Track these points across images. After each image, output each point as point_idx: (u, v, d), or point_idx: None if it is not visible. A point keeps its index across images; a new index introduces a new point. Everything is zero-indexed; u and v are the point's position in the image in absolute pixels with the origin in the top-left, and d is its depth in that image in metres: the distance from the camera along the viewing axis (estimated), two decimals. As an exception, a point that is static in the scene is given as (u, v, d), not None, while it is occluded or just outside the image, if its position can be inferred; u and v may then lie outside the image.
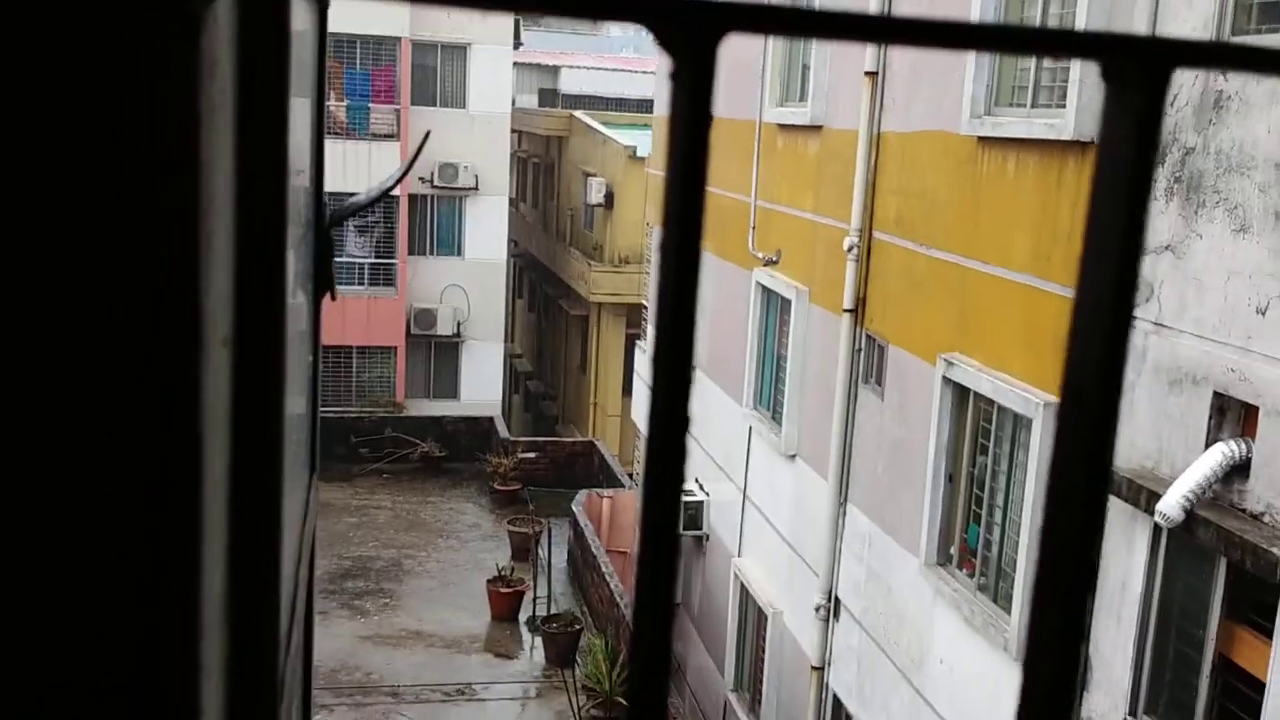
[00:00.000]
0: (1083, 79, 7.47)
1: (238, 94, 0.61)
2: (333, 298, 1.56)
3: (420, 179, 26.30)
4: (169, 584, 0.48)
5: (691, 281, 0.43)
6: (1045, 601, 0.46)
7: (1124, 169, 0.43)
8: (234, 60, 0.59)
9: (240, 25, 0.63)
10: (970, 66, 8.73)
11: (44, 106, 0.43)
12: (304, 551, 1.31)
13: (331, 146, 24.95)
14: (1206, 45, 0.47)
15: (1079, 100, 7.48)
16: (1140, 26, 6.94)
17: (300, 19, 1.25)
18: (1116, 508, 7.02)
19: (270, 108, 0.67)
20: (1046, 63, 8.23)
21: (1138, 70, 0.43)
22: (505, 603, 17.85)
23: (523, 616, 17.88)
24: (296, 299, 1.30)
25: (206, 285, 0.47)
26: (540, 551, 18.54)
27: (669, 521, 0.44)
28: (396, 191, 25.56)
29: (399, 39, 25.62)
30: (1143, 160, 0.43)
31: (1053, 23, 8.15)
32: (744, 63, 13.53)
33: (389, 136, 25.68)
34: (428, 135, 3.11)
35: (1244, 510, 6.12)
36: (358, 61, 25.81)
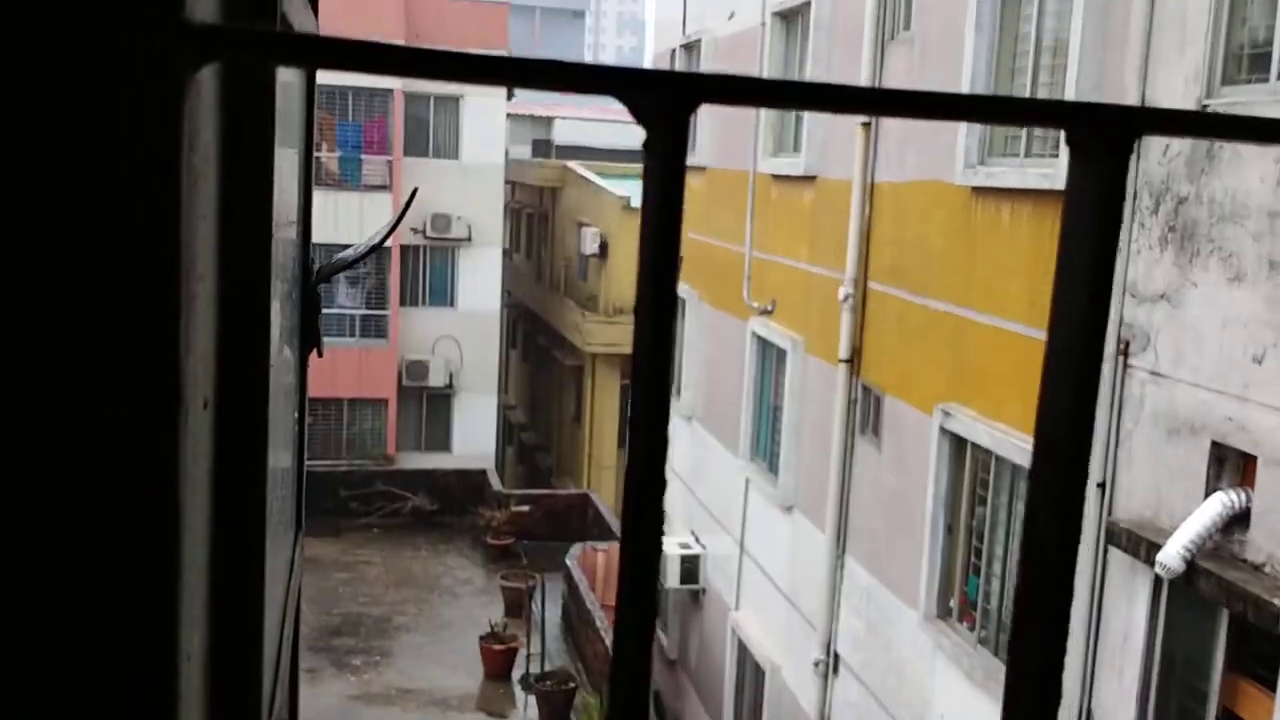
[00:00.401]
0: (1074, 129, 7.51)
1: (222, 160, 0.59)
2: (319, 354, 1.52)
3: (413, 229, 26.38)
4: (145, 645, 0.45)
5: (667, 334, 0.43)
6: (1023, 651, 0.46)
7: (1090, 234, 0.44)
8: (218, 127, 0.57)
9: (225, 91, 0.61)
10: (962, 118, 8.78)
11: (31, 172, 0.42)
12: (289, 609, 1.27)
13: (324, 197, 25.06)
14: (1169, 113, 0.47)
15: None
16: (1131, 77, 6.98)
17: (287, 72, 1.23)
18: (1117, 559, 6.96)
19: (254, 175, 0.65)
20: (1038, 114, 8.29)
21: (1101, 138, 0.43)
22: (498, 660, 17.64)
23: (516, 674, 17.66)
24: (283, 355, 1.26)
25: (188, 348, 0.44)
26: (534, 607, 18.36)
27: (649, 572, 0.44)
28: (389, 243, 25.64)
29: (391, 90, 25.83)
30: (1107, 225, 0.44)
31: (1044, 73, 8.21)
32: (737, 114, 13.63)
33: (381, 187, 25.79)
34: (414, 192, 3.12)
35: (1245, 561, 6.06)
36: (350, 113, 25.99)
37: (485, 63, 0.45)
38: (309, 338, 1.47)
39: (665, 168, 0.42)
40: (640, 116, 0.42)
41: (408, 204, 2.48)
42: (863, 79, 10.37)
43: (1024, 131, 8.39)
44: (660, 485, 0.44)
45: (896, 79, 10.07)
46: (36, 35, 0.41)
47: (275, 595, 1.07)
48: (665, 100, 0.42)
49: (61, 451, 0.43)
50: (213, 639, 0.65)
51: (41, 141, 0.42)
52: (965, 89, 8.78)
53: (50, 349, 0.43)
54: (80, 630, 0.46)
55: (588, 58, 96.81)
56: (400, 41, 25.74)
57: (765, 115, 12.79)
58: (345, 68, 0.47)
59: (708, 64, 14.81)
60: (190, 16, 0.45)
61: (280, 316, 1.26)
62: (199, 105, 0.50)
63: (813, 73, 11.60)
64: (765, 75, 12.71)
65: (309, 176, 1.66)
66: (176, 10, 0.43)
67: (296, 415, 1.45)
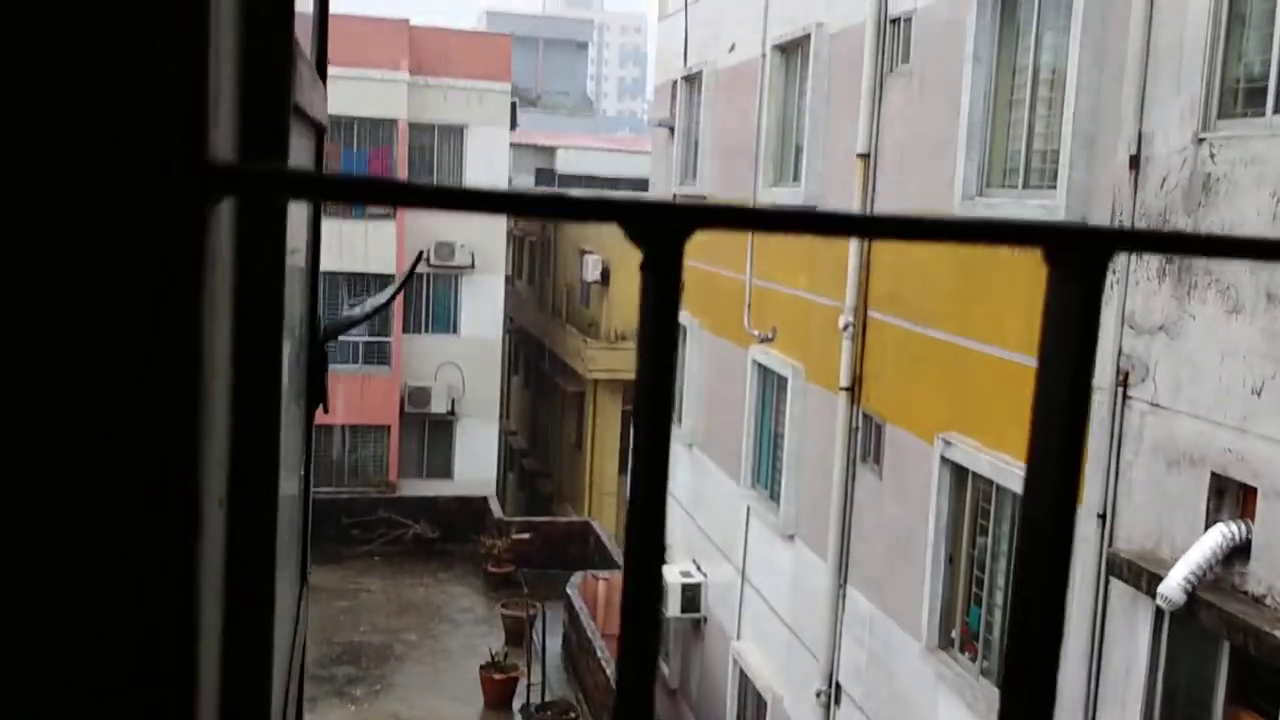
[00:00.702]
0: (1073, 161, 7.56)
1: (237, 273, 0.62)
2: (325, 410, 1.55)
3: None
4: None
5: (663, 453, 0.45)
6: (1016, 681, 0.49)
7: (1069, 345, 0.46)
8: (234, 242, 0.60)
9: (239, 220, 0.64)
10: (962, 146, 8.85)
11: (59, 301, 0.45)
12: (293, 667, 1.29)
13: (329, 226, 25.01)
14: (1142, 233, 0.51)
15: (1070, 180, 7.57)
16: (1128, 110, 7.04)
17: (297, 155, 1.27)
18: (1118, 590, 6.96)
19: (267, 288, 0.68)
20: (1037, 144, 8.35)
21: (1077, 256, 0.46)
22: (498, 690, 17.56)
23: (517, 704, 17.58)
24: (289, 414, 1.29)
25: (206, 457, 0.47)
26: (534, 636, 18.30)
27: (652, 595, 0.46)
28: (393, 270, 25.70)
29: (396, 120, 25.96)
30: (1085, 336, 0.46)
31: (1042, 105, 8.27)
32: (738, 144, 13.71)
33: (385, 216, 25.90)
34: (421, 254, 3.16)
35: (1245, 593, 6.07)
36: (355, 142, 26.13)
37: (490, 196, 0.48)
38: (315, 395, 1.50)
39: (661, 288, 0.45)
40: (638, 240, 0.45)
41: (414, 264, 2.52)
42: (862, 112, 10.44)
43: (1022, 163, 8.45)
44: (661, 519, 0.47)
45: (895, 111, 10.14)
46: (72, 178, 0.45)
47: (278, 664, 1.10)
48: (661, 227, 0.45)
49: (86, 570, 0.46)
50: (222, 711, 0.67)
51: (75, 283, 0.45)
52: (964, 121, 8.85)
53: (79, 464, 0.46)
54: None
55: (590, 89, 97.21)
56: (405, 74, 25.95)
57: (765, 145, 12.87)
58: (350, 201, 0.50)
59: (708, 95, 14.91)
60: (213, 156, 0.48)
61: (288, 378, 1.30)
62: (218, 230, 0.53)
63: (812, 105, 11.67)
64: (765, 106, 12.79)
65: (318, 230, 1.70)
66: (200, 153, 0.47)
67: (303, 472, 1.49)
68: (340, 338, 27.43)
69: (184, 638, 0.46)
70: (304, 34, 1.34)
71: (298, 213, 1.38)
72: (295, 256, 1.32)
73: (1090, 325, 0.49)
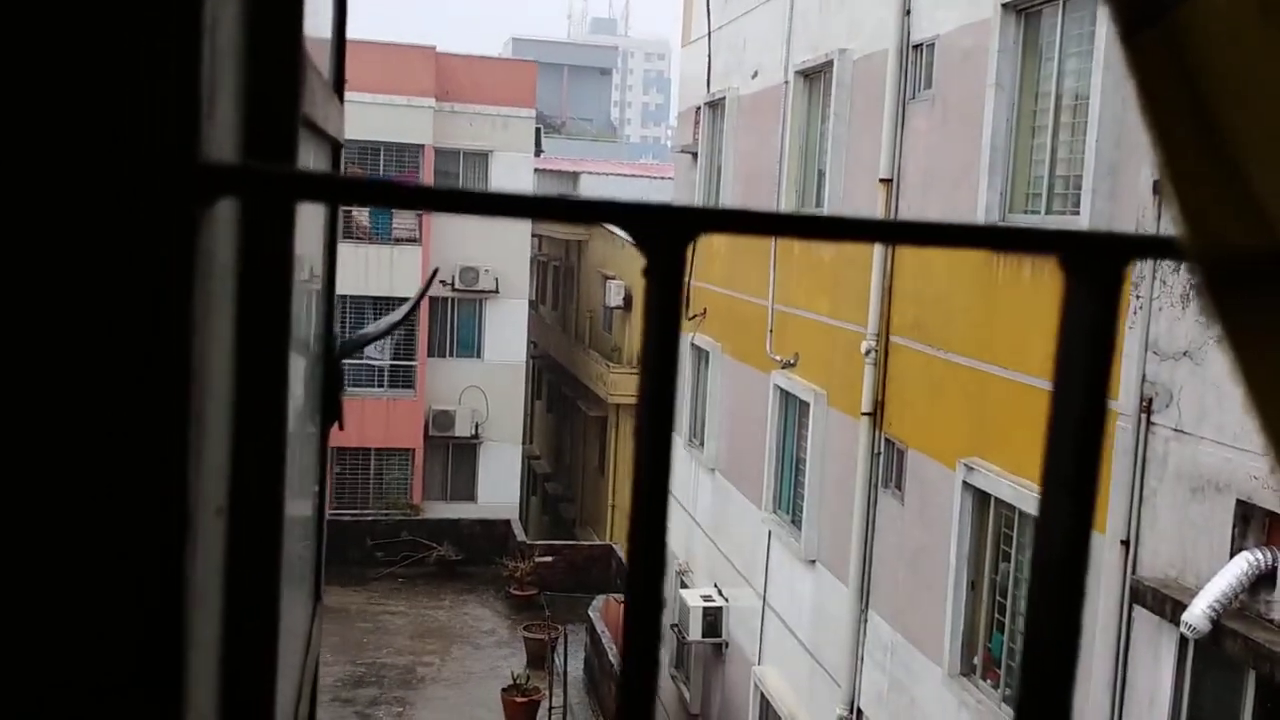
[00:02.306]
0: (1095, 186, 7.54)
1: (241, 276, 0.63)
2: (340, 428, 1.56)
3: (441, 282, 26.58)
4: None
5: (664, 470, 0.46)
6: (1031, 708, 0.48)
7: (1083, 356, 0.46)
8: (236, 254, 0.61)
9: (243, 225, 0.65)
10: (985, 172, 8.84)
11: (53, 305, 0.45)
12: (304, 689, 1.30)
13: (355, 251, 25.32)
14: (1159, 239, 0.49)
15: (1093, 205, 7.54)
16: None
17: (311, 158, 1.28)
18: (1142, 617, 6.89)
19: (273, 291, 0.69)
20: (1060, 169, 8.34)
21: (1094, 264, 0.45)
22: (520, 712, 17.52)
23: (538, 726, 17.52)
24: (305, 431, 1.31)
25: (198, 462, 0.48)
26: (556, 659, 18.25)
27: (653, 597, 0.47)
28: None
29: (422, 146, 26.14)
30: (1100, 347, 0.46)
31: (1065, 131, 8.26)
32: (761, 168, 13.74)
33: (411, 240, 26.05)
34: (435, 273, 3.18)
35: (1271, 621, 6.00)
36: (381, 167, 26.32)
37: (485, 198, 0.49)
38: (331, 412, 1.51)
39: (664, 292, 0.45)
40: (642, 245, 0.46)
41: (429, 281, 2.54)
42: (885, 137, 10.45)
43: (1045, 187, 8.43)
44: (662, 528, 0.48)
45: (918, 137, 10.14)
46: (60, 175, 0.45)
47: (287, 685, 1.10)
48: (665, 232, 0.45)
49: (70, 568, 0.46)
50: None
51: (63, 282, 0.45)
52: (986, 147, 8.84)
53: (60, 470, 0.46)
54: None
55: (614, 115, 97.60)
56: (431, 100, 26.15)
57: (788, 170, 12.89)
58: (344, 202, 0.51)
59: (731, 121, 14.95)
60: (206, 156, 0.49)
61: (303, 394, 1.32)
62: (215, 231, 0.54)
63: (834, 131, 11.69)
64: (788, 132, 12.82)
65: (334, 245, 1.72)
66: (190, 153, 0.47)
67: (317, 489, 1.50)
68: (365, 361, 27.55)
69: (172, 640, 0.47)
70: (321, 54, 1.36)
71: (313, 229, 1.40)
72: (310, 272, 1.33)
73: (1107, 334, 0.47)
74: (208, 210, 0.49)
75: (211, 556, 0.59)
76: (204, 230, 0.50)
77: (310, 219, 1.36)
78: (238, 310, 0.64)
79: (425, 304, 26.34)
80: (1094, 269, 0.47)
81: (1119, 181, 7.40)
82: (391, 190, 0.47)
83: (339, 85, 1.52)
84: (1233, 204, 0.45)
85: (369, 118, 24.63)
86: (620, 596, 19.92)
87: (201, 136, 0.46)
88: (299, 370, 1.24)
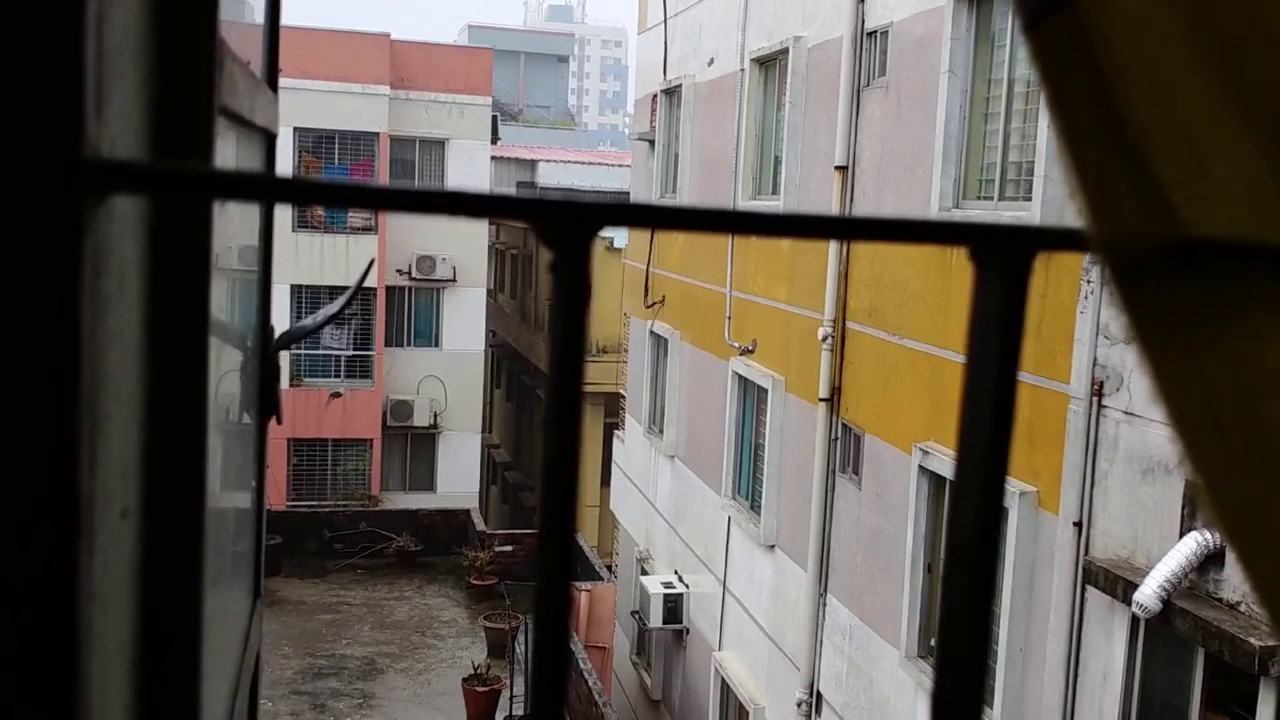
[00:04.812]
0: (1048, 173, 7.61)
1: (148, 273, 0.61)
2: (278, 422, 1.54)
3: (398, 271, 26.43)
4: None
5: (573, 441, 0.46)
6: (946, 669, 0.49)
7: (994, 344, 0.46)
8: (143, 242, 0.59)
9: (152, 216, 0.63)
10: (939, 158, 8.90)
11: None
12: (242, 682, 1.28)
13: (310, 239, 25.10)
14: (1065, 231, 0.49)
15: (1045, 193, 7.61)
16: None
17: (246, 159, 1.26)
18: (1094, 598, 6.99)
19: (186, 296, 0.68)
20: (1013, 155, 8.41)
21: (1002, 255, 0.46)
22: (481, 702, 17.50)
23: (499, 716, 17.52)
24: (242, 424, 1.29)
25: (91, 472, 0.47)
26: (517, 648, 18.25)
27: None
28: (374, 284, 25.67)
29: (377, 134, 25.94)
30: (1010, 335, 0.46)
31: (1017, 117, 8.33)
32: (718, 156, 13.75)
33: (367, 230, 25.86)
34: (372, 262, 3.17)
35: (1220, 600, 6.10)
36: (337, 156, 26.09)
37: (392, 194, 0.48)
38: (268, 406, 1.49)
39: (569, 285, 0.45)
40: (546, 240, 0.45)
41: (365, 273, 2.53)
42: (840, 124, 10.49)
43: (998, 174, 8.50)
44: (570, 535, 0.48)
45: (873, 124, 10.19)
46: None
47: (221, 683, 1.09)
48: (568, 227, 0.45)
49: None
50: None
51: None
52: (939, 134, 8.90)
53: None
54: None
55: (572, 102, 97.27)
56: (386, 88, 25.94)
57: (744, 157, 12.91)
58: (241, 198, 0.50)
59: (688, 108, 14.95)
60: (94, 149, 0.48)
61: (237, 386, 1.30)
62: (110, 227, 0.53)
63: (790, 118, 11.72)
64: (744, 119, 12.84)
65: (269, 236, 1.69)
66: (73, 149, 0.46)
67: (255, 484, 1.48)
68: (323, 352, 27.32)
69: (62, 649, 0.46)
70: (251, 42, 1.34)
71: (247, 220, 1.38)
72: (241, 263, 1.31)
73: (1014, 325, 0.48)
74: (99, 207, 0.48)
75: (119, 559, 0.57)
76: (98, 227, 0.48)
77: (245, 210, 1.34)
78: (149, 307, 0.62)
79: (382, 294, 26.18)
80: (1003, 260, 0.48)
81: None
82: (280, 186, 0.46)
83: (272, 74, 1.50)
84: (1136, 194, 0.45)
85: (323, 106, 24.39)
86: (580, 585, 19.96)
87: (87, 132, 0.45)
88: (232, 362, 1.22)
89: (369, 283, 25.39)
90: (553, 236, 0.45)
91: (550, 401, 0.47)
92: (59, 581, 0.45)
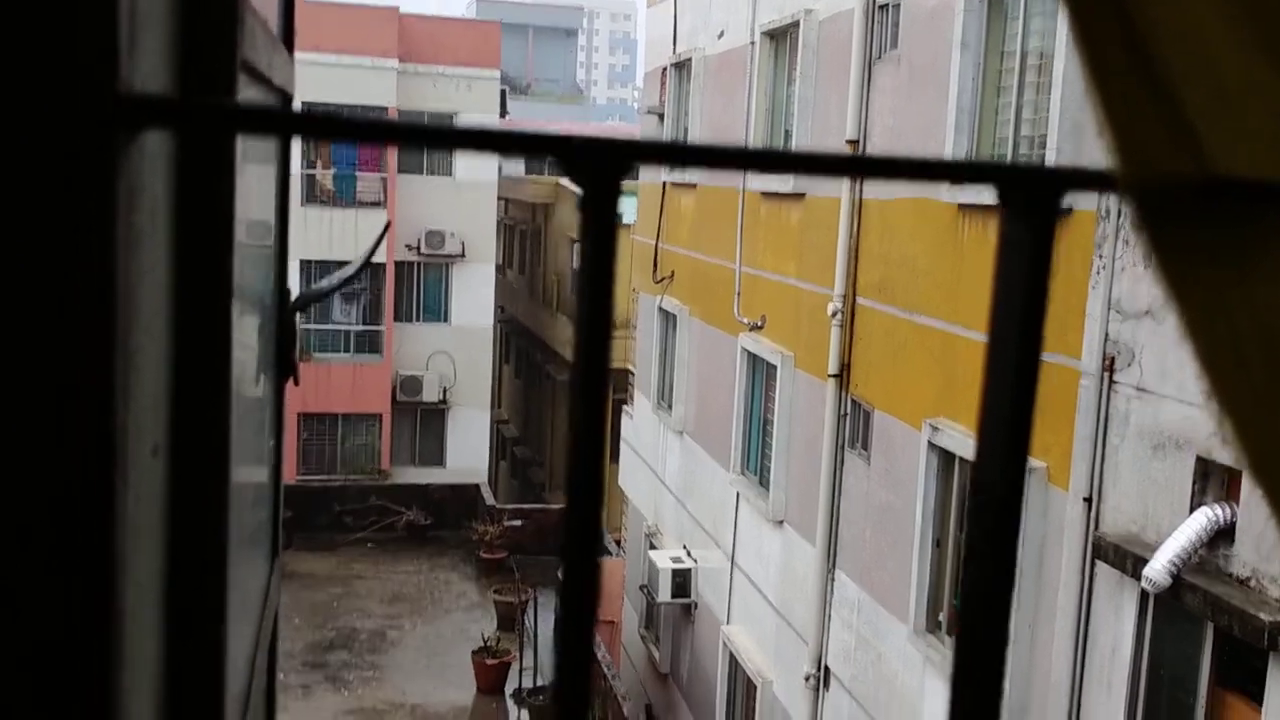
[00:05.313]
0: (1060, 146, 7.57)
1: (176, 213, 0.62)
2: (295, 383, 1.55)
3: (407, 246, 26.42)
4: (83, 707, 0.48)
5: (600, 390, 0.45)
6: (969, 643, 0.49)
7: (1020, 287, 0.46)
8: (170, 180, 0.60)
9: (180, 153, 0.64)
10: (950, 131, 8.85)
11: None
12: (262, 639, 1.29)
13: (320, 214, 25.09)
14: (1093, 172, 0.49)
15: (1057, 164, 7.55)
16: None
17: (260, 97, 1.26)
18: (1104, 573, 6.99)
19: (211, 233, 0.68)
20: (1025, 129, 8.36)
21: (1030, 196, 0.46)
22: (491, 674, 17.61)
23: (509, 688, 17.64)
24: (259, 385, 1.29)
25: (125, 404, 0.47)
26: (527, 621, 18.35)
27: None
28: (384, 259, 25.68)
29: (386, 108, 25.88)
30: (1037, 278, 0.46)
31: (1029, 90, 8.28)
32: (728, 131, 13.70)
33: (375, 204, 25.84)
34: (389, 225, 3.16)
35: (1230, 575, 6.10)
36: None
37: (422, 131, 0.48)
38: (285, 367, 1.50)
39: (599, 224, 0.45)
40: (575, 177, 0.45)
41: (381, 235, 2.53)
42: (851, 97, 10.44)
43: (1011, 146, 8.46)
44: (597, 512, 0.47)
45: (884, 97, 10.13)
46: None
47: (246, 629, 1.10)
48: (598, 163, 0.45)
49: None
50: (168, 683, 0.67)
51: None
52: (951, 107, 8.85)
53: None
54: (12, 678, 0.47)
55: (580, 76, 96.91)
56: (394, 62, 25.87)
57: (755, 132, 12.86)
58: (267, 133, 0.50)
59: (697, 82, 14.88)
60: (127, 86, 0.48)
61: (255, 347, 1.30)
62: (142, 165, 0.53)
63: (800, 92, 11.67)
64: (754, 93, 12.78)
65: (286, 202, 1.70)
66: (109, 83, 0.46)
67: (273, 442, 1.49)
68: (332, 327, 27.35)
69: (101, 571, 0.46)
70: (269, 4, 1.34)
71: (264, 187, 1.38)
72: (260, 225, 1.32)
73: (1042, 267, 0.48)
74: (132, 143, 0.48)
75: (149, 495, 0.58)
76: (130, 163, 0.49)
77: (261, 178, 1.34)
78: (176, 244, 0.62)
79: (391, 269, 26.18)
80: (1030, 201, 0.47)
81: (1083, 140, 7.42)
82: (304, 121, 0.46)
83: (288, 36, 1.49)
84: (1164, 125, 0.46)
85: (331, 80, 24.34)
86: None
87: (122, 66, 0.45)
88: (251, 324, 1.22)
89: (378, 258, 25.39)
90: (582, 174, 0.45)
91: (579, 338, 0.47)
92: (97, 507, 0.45)
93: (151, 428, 0.57)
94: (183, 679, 0.68)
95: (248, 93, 0.92)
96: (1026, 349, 0.49)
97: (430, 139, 0.48)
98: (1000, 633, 0.50)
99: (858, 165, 0.49)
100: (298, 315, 1.61)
